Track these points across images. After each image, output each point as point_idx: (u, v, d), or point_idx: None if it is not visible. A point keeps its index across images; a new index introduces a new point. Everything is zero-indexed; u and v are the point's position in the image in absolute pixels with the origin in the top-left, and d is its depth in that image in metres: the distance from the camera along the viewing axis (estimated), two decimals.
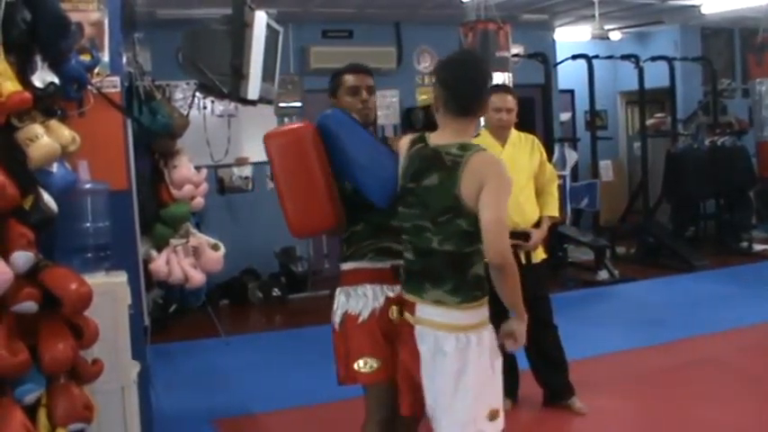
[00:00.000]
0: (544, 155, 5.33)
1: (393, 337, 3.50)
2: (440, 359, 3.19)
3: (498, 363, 3.28)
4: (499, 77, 8.02)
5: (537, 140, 5.33)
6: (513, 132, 5.23)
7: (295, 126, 3.61)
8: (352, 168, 3.47)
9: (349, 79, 3.76)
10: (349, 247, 3.67)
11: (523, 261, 4.98)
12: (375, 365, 3.52)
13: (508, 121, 5.12)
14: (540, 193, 5.26)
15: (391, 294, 3.54)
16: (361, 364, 3.54)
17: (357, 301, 3.59)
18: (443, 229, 3.18)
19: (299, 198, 3.48)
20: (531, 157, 5.23)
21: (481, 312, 3.25)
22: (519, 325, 3.23)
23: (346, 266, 3.67)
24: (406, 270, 3.36)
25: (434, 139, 3.30)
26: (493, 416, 3.22)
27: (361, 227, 3.63)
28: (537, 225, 5.17)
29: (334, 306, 3.68)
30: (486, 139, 5.00)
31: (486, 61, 3.47)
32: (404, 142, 3.43)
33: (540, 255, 5.23)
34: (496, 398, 3.29)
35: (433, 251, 3.21)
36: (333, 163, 3.48)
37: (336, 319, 3.66)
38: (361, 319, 3.55)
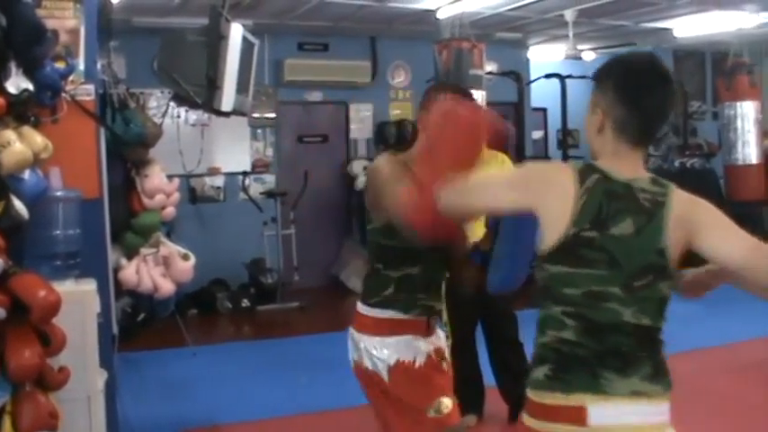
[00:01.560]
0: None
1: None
2: None
3: None
4: (475, 95, 8.10)
5: (506, 158, 5.36)
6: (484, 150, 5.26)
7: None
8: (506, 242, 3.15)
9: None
10: (397, 290, 3.17)
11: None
12: (451, 404, 3.19)
13: None
14: None
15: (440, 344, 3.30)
16: (447, 403, 3.17)
17: (407, 349, 3.18)
18: (640, 297, 2.23)
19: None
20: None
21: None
22: None
23: (388, 315, 3.20)
24: (558, 357, 2.25)
25: (616, 171, 2.29)
26: None
27: (417, 270, 3.19)
28: None
29: (374, 353, 3.19)
30: None
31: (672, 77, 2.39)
32: (555, 170, 2.41)
33: None
34: None
35: (621, 326, 2.22)
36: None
37: (381, 368, 3.17)
38: (418, 365, 3.17)
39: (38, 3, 3.74)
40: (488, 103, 8.46)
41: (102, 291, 3.95)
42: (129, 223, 4.83)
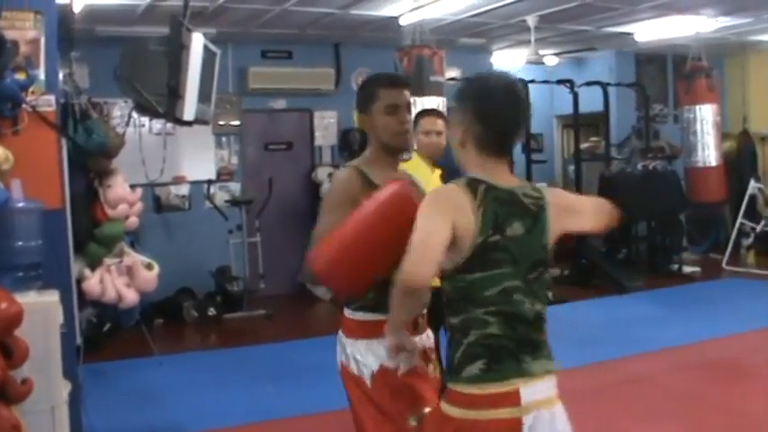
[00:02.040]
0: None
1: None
2: None
3: None
4: (433, 102, 8.21)
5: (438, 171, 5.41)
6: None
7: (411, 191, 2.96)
8: None
9: (386, 94, 3.25)
10: (378, 294, 3.00)
11: None
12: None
13: (438, 144, 5.19)
14: None
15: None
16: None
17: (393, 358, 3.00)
18: (533, 287, 2.60)
19: (360, 261, 2.92)
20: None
21: None
22: None
23: (368, 317, 3.19)
24: (489, 351, 2.55)
25: (493, 179, 2.59)
26: None
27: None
28: None
29: (358, 358, 3.20)
30: (416, 163, 5.06)
31: (522, 88, 2.71)
32: (450, 193, 2.60)
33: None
34: None
35: (524, 315, 2.56)
36: None
37: (366, 374, 3.17)
38: (401, 372, 3.11)
39: None
40: (450, 109, 8.52)
41: (66, 301, 3.93)
42: (92, 233, 4.82)
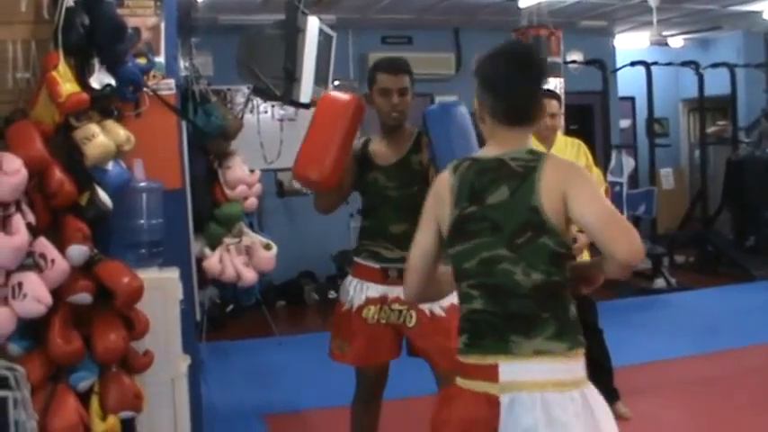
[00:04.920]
0: (590, 159, 5.35)
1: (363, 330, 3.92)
2: None
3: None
4: (551, 83, 8.08)
5: (583, 145, 5.34)
6: (559, 137, 5.27)
7: (346, 96, 3.92)
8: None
9: (382, 79, 3.84)
10: (358, 239, 4.06)
11: None
12: (346, 348, 4.00)
13: (552, 126, 5.14)
14: None
15: (374, 295, 3.88)
16: (340, 345, 4.06)
17: (344, 292, 4.04)
18: (525, 252, 2.41)
19: (314, 147, 3.75)
20: (576, 161, 5.26)
21: (584, 363, 2.50)
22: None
23: (354, 259, 4.07)
24: (474, 326, 2.51)
25: (488, 152, 2.58)
26: None
27: (367, 223, 3.99)
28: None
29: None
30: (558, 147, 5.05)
31: (538, 53, 2.65)
32: (437, 184, 2.68)
33: (585, 257, 5.25)
34: None
35: (516, 287, 2.41)
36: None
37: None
38: (344, 309, 4.01)
39: (120, 2, 3.88)
40: (574, 93, 8.41)
41: (185, 279, 4.05)
42: (212, 214, 4.93)
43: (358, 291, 3.94)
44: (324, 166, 3.70)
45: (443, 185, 2.59)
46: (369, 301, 3.90)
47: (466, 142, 3.61)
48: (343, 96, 3.88)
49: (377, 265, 3.89)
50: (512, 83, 2.52)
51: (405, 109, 3.87)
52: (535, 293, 2.41)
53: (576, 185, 2.40)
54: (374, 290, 3.90)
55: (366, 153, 4.02)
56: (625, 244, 2.28)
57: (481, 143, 2.80)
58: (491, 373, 2.41)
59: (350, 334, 3.97)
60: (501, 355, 2.41)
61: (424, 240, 2.66)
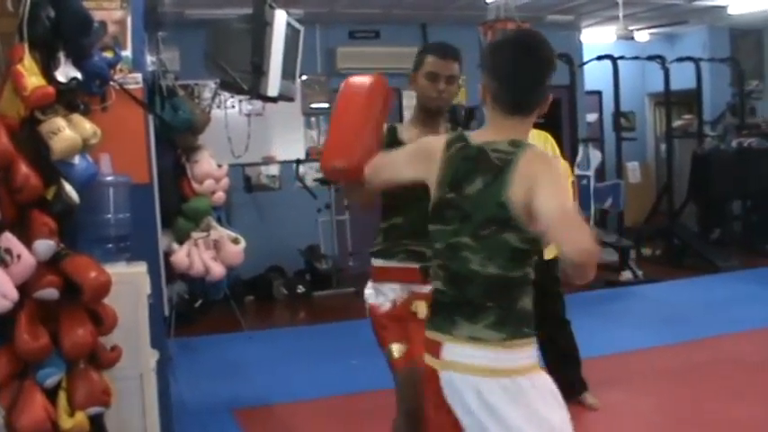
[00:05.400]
0: (557, 150, 5.36)
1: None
2: (490, 420, 2.46)
3: (567, 416, 2.61)
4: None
5: (550, 137, 5.35)
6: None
7: (371, 77, 3.44)
8: None
9: (431, 62, 3.51)
10: (384, 240, 3.62)
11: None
12: (404, 350, 3.49)
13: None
14: None
15: (419, 291, 3.47)
16: (395, 349, 3.53)
17: (381, 296, 3.59)
18: (486, 245, 2.48)
19: (341, 134, 3.30)
20: None
21: (531, 353, 2.55)
22: None
23: (377, 263, 3.64)
24: (433, 304, 2.67)
25: (477, 137, 2.61)
26: None
27: (401, 221, 3.56)
28: None
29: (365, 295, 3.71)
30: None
31: (548, 44, 2.59)
32: (435, 143, 2.72)
33: (552, 251, 5.28)
34: None
35: (471, 275, 2.51)
36: None
37: (367, 308, 3.68)
38: (383, 309, 3.57)
39: None
40: None
41: (153, 273, 4.04)
42: (180, 208, 4.92)
43: (398, 290, 3.58)
44: (353, 152, 3.21)
45: (439, 150, 2.65)
46: (415, 296, 3.52)
47: None
48: (367, 78, 3.46)
49: (416, 266, 3.49)
50: (515, 71, 2.53)
51: (449, 97, 3.57)
52: (486, 284, 2.50)
53: (542, 181, 2.38)
54: (418, 288, 3.51)
55: (396, 142, 3.51)
56: (572, 243, 2.19)
57: None
58: (436, 350, 2.57)
59: (396, 334, 3.56)
60: (446, 334, 2.55)
61: (398, 168, 2.85)
